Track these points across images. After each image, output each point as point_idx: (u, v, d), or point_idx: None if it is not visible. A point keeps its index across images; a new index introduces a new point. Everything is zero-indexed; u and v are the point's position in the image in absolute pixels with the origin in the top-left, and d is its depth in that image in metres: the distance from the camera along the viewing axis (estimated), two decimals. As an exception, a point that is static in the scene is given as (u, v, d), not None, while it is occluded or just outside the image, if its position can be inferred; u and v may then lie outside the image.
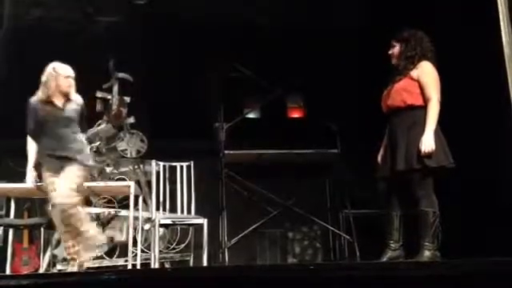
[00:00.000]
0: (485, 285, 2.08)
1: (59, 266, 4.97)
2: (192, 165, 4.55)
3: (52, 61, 3.64)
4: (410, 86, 3.18)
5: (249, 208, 5.98)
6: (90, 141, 5.43)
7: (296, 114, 6.51)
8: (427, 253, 2.99)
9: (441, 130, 3.13)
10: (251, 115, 6.33)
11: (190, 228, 4.67)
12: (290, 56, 5.66)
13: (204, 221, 4.26)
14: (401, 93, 3.19)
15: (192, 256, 4.75)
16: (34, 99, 3.63)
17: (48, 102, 3.58)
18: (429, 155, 3.02)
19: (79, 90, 3.72)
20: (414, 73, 3.19)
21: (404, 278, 2.14)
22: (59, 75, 3.58)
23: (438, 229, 3.03)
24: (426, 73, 3.17)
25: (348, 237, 5.82)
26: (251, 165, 5.91)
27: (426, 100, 3.13)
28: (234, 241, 5.56)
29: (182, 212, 4.42)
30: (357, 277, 2.14)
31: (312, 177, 6.11)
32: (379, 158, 3.40)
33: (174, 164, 4.53)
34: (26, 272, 5.29)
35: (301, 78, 5.93)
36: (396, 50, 3.31)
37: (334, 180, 6.21)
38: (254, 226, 5.75)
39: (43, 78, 3.61)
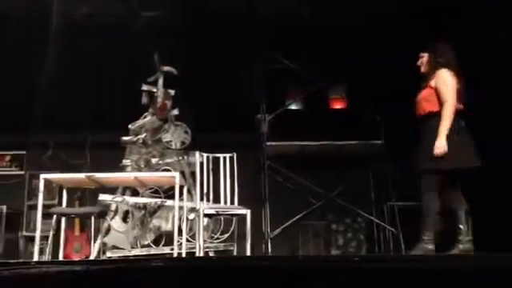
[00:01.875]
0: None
1: (109, 253, 5.16)
2: (235, 156, 4.59)
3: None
4: (429, 95, 3.41)
5: (291, 199, 5.98)
6: (136, 133, 5.59)
7: (338, 105, 6.43)
8: (460, 246, 3.22)
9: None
10: (293, 106, 6.29)
11: (234, 218, 4.72)
12: (331, 47, 5.59)
13: (247, 211, 4.30)
14: (421, 102, 3.46)
15: (235, 246, 4.81)
16: None
17: None
18: (442, 157, 3.23)
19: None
20: (433, 82, 3.41)
21: (438, 271, 2.12)
22: None
23: (469, 223, 3.25)
24: (441, 79, 3.37)
25: (393, 229, 5.73)
26: (294, 156, 5.90)
27: (441, 105, 3.33)
28: (276, 232, 5.58)
29: (226, 202, 4.48)
30: (399, 269, 2.12)
31: (355, 168, 6.03)
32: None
33: (217, 155, 4.59)
34: (77, 258, 5.53)
35: (343, 69, 5.85)
36: (424, 59, 3.55)
37: (378, 171, 6.11)
38: (296, 217, 5.74)
39: None
